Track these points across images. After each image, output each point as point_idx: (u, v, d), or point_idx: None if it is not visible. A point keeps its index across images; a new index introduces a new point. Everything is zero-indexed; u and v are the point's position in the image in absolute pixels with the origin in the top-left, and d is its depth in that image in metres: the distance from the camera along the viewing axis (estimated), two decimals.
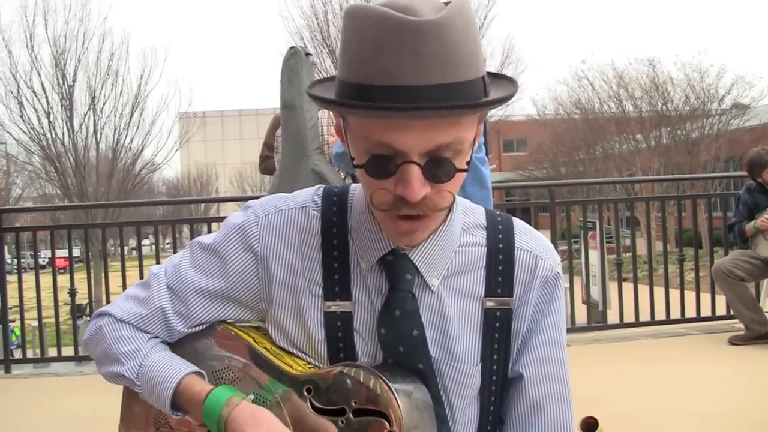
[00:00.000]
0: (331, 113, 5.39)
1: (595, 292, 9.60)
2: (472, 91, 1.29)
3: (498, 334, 1.56)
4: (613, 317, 8.24)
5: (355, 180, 5.38)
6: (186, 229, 12.11)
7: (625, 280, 7.86)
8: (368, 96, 1.26)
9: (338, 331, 1.54)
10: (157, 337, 1.65)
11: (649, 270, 7.76)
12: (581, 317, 8.99)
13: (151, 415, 1.68)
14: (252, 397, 1.53)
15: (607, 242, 10.85)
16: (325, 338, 1.55)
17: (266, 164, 6.48)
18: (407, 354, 1.50)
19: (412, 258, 1.50)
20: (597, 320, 9.19)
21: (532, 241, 1.61)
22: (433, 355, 1.52)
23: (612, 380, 5.66)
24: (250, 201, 1.66)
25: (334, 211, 1.58)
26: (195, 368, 1.58)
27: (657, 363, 6.32)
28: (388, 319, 1.50)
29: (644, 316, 7.64)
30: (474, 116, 1.35)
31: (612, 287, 8.51)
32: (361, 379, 1.42)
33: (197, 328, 1.65)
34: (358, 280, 1.54)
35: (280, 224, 1.59)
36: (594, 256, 10.55)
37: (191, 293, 1.61)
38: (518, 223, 1.63)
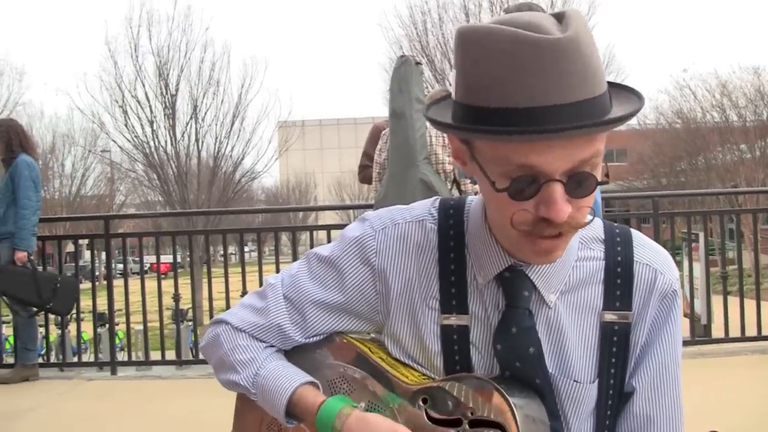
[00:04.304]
0: None
1: (698, 306, 9.39)
2: (606, 104, 1.28)
3: (616, 348, 1.54)
4: (717, 332, 8.03)
5: (459, 189, 5.36)
6: (285, 237, 12.26)
7: (729, 293, 7.67)
8: (507, 119, 1.24)
9: (454, 344, 1.54)
10: (273, 346, 1.67)
11: (756, 283, 7.53)
12: (684, 331, 8.79)
13: (265, 422, 1.70)
14: (363, 405, 1.54)
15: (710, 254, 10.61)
16: (441, 351, 1.54)
17: (365, 173, 6.52)
18: (524, 369, 1.49)
19: (529, 274, 1.49)
20: (700, 334, 8.98)
21: (651, 255, 1.57)
22: (550, 371, 1.51)
23: (716, 396, 5.52)
24: (366, 213, 1.67)
25: (451, 225, 1.57)
26: (309, 378, 1.59)
27: (764, 380, 6.14)
28: (505, 336, 1.49)
29: (750, 330, 7.42)
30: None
31: (716, 301, 8.31)
32: (479, 391, 1.41)
33: (313, 339, 1.67)
34: (474, 295, 1.54)
35: (397, 237, 1.59)
36: (697, 268, 10.34)
37: (308, 304, 1.63)
38: (637, 236, 1.60)
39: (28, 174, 7.06)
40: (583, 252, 1.54)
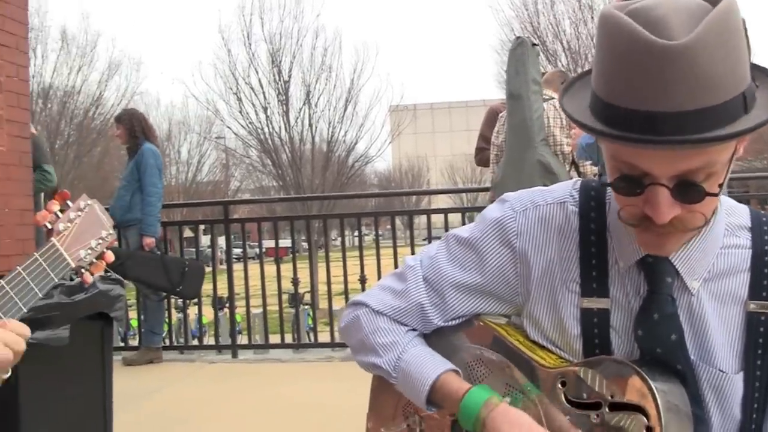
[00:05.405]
0: (556, 106, 5.34)
1: None
2: (726, 114, 1.22)
3: (762, 339, 1.47)
4: None
5: (578, 171, 5.31)
6: (398, 221, 12.30)
7: None
8: (614, 118, 1.24)
9: (594, 328, 1.52)
10: (413, 329, 1.67)
11: None
12: None
13: (401, 405, 1.71)
14: (509, 399, 1.53)
15: None
16: (580, 334, 1.53)
17: (482, 156, 6.50)
18: (665, 356, 1.45)
19: (672, 260, 1.45)
20: None
21: None
22: (692, 359, 1.47)
23: None
24: (506, 194, 1.65)
25: (592, 207, 1.55)
26: (452, 366, 1.60)
27: None
28: (646, 322, 1.46)
29: None
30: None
31: None
32: (619, 374, 1.40)
33: (453, 322, 1.67)
34: (615, 278, 1.51)
35: (538, 219, 1.57)
36: None
37: (448, 287, 1.63)
38: None
39: (154, 162, 7.28)
40: (728, 239, 1.50)
